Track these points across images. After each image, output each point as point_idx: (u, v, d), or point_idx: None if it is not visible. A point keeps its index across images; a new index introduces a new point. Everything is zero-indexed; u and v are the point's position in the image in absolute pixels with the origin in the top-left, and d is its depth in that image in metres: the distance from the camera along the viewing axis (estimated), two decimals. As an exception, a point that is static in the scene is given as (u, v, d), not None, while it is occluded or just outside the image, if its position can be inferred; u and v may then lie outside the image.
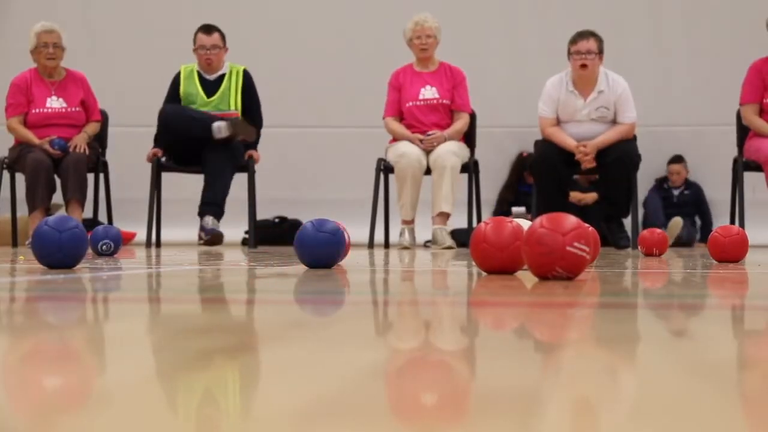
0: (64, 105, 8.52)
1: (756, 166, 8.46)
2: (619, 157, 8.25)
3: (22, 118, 8.48)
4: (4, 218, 9.04)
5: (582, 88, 8.37)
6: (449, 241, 8.11)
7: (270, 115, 8.80)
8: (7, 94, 8.56)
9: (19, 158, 8.37)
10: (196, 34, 8.63)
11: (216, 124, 8.35)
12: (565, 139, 8.31)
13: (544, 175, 8.36)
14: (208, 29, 8.61)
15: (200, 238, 8.33)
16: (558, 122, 8.42)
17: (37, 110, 8.46)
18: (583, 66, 8.27)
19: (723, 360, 1.68)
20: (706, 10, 10.34)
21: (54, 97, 8.52)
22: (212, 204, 8.33)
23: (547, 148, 8.37)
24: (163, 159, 8.50)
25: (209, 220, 8.28)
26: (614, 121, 8.41)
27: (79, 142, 8.39)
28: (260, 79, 9.12)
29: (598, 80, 8.37)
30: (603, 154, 8.29)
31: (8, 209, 8.74)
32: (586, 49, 8.26)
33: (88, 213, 8.78)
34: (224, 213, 8.37)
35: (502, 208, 10.07)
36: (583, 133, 8.33)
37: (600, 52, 8.31)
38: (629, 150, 8.32)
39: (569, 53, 8.32)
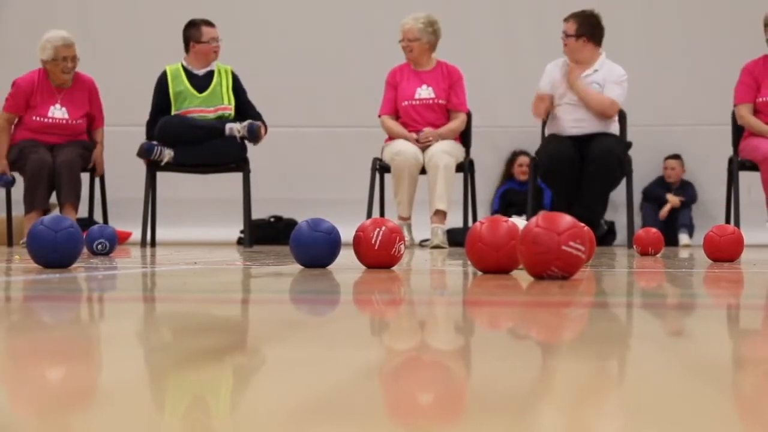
0: (66, 117, 8.44)
1: (751, 166, 8.46)
2: (601, 158, 8.26)
3: (13, 119, 8.44)
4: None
5: (579, 67, 8.48)
6: (437, 240, 8.12)
7: (265, 114, 8.79)
8: (9, 92, 8.51)
9: (19, 158, 8.34)
10: (196, 28, 8.59)
11: (230, 125, 8.40)
12: (540, 99, 8.47)
13: (557, 174, 8.39)
14: (209, 22, 8.64)
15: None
16: (552, 102, 8.51)
17: (38, 118, 8.38)
18: (565, 45, 8.53)
19: (719, 359, 1.68)
20: (702, 9, 10.35)
21: (57, 106, 8.45)
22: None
23: (552, 146, 8.40)
24: (164, 162, 8.47)
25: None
26: None
27: (100, 163, 8.55)
28: (255, 78, 9.12)
29: (596, 62, 8.48)
30: (588, 150, 8.32)
31: (4, 209, 8.73)
32: (564, 31, 8.44)
33: (84, 213, 8.77)
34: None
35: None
36: (579, 115, 8.39)
37: (579, 35, 8.46)
38: (614, 151, 8.34)
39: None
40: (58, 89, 8.45)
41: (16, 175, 8.54)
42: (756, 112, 8.40)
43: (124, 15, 10.76)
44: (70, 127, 8.45)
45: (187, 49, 8.63)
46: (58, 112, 8.43)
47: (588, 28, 8.48)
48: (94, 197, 8.90)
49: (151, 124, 8.59)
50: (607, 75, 8.49)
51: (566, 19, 8.55)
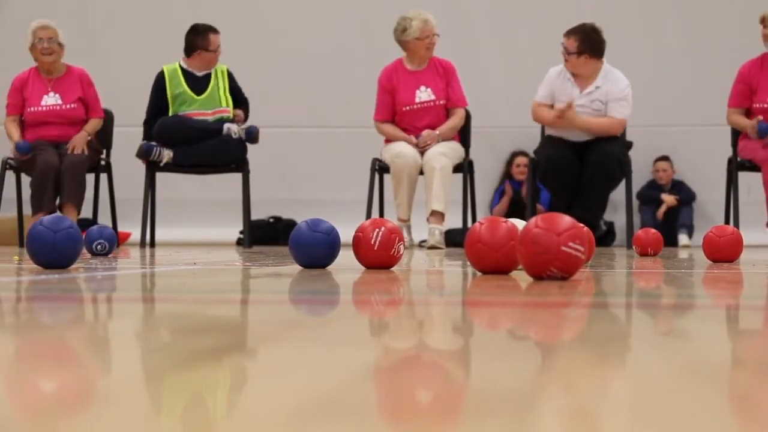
0: (59, 102, 8.49)
1: (750, 166, 8.46)
2: (601, 160, 8.26)
3: (17, 118, 8.48)
4: (5, 218, 9.04)
5: (580, 80, 8.43)
6: (433, 241, 8.12)
7: (264, 115, 8.80)
8: (8, 92, 8.56)
9: (26, 159, 8.36)
10: (204, 36, 8.59)
11: (227, 125, 8.44)
12: (546, 112, 8.39)
13: (556, 177, 8.38)
14: (214, 29, 8.65)
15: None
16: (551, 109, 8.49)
17: (33, 109, 8.45)
18: (565, 60, 8.43)
19: (717, 359, 1.68)
20: (700, 9, 10.35)
21: (51, 93, 8.49)
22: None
23: (551, 149, 8.39)
24: (163, 162, 8.49)
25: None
26: None
27: (78, 143, 8.37)
28: (254, 79, 9.12)
29: (598, 76, 8.42)
30: (588, 151, 8.31)
31: (10, 209, 8.73)
32: (565, 47, 8.36)
33: (88, 213, 8.79)
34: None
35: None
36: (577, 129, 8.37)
37: (580, 52, 8.34)
38: (615, 153, 8.33)
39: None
40: (49, 80, 8.49)
41: (23, 175, 8.56)
42: (751, 115, 8.38)
43: (124, 15, 10.76)
44: (65, 113, 8.46)
45: (189, 53, 8.63)
46: (50, 100, 8.47)
47: (589, 45, 8.35)
48: (99, 198, 8.90)
49: (148, 124, 8.61)
50: (610, 90, 8.40)
51: (567, 35, 8.39)
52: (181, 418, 1.15)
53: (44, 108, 8.45)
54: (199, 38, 8.62)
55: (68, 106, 8.51)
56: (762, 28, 8.31)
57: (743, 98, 8.39)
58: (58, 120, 8.45)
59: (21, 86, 8.49)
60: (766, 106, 8.31)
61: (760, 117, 8.24)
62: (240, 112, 8.61)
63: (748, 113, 8.39)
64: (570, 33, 8.40)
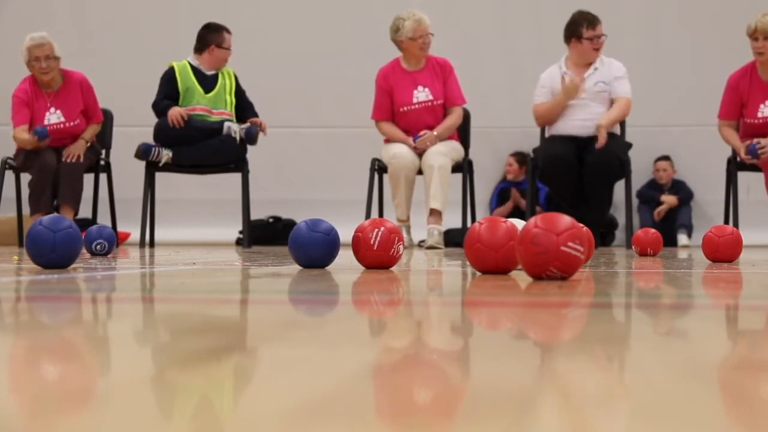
0: (62, 119, 8.41)
1: (750, 166, 8.45)
2: (602, 160, 8.28)
3: (27, 127, 8.40)
4: (5, 218, 9.04)
5: (577, 69, 8.46)
6: (432, 241, 8.12)
7: (263, 115, 8.79)
8: (11, 106, 8.47)
9: (25, 160, 8.34)
10: (219, 33, 8.61)
11: (228, 124, 8.45)
12: (553, 101, 8.43)
13: (555, 176, 8.39)
14: (229, 30, 8.69)
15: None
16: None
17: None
18: (597, 49, 8.49)
19: (717, 360, 1.68)
20: (701, 9, 10.35)
21: (52, 110, 8.42)
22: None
23: (551, 148, 8.39)
24: (162, 162, 8.49)
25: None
26: (611, 101, 8.48)
27: (75, 151, 8.35)
28: (254, 79, 9.11)
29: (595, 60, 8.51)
30: (588, 151, 8.32)
31: (10, 209, 8.72)
32: (596, 35, 8.44)
33: (87, 213, 8.78)
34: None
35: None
36: (586, 116, 8.37)
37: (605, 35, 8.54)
38: (615, 153, 8.34)
39: (581, 37, 8.41)
40: (48, 93, 8.43)
41: (23, 175, 8.54)
42: (745, 128, 8.39)
43: (123, 16, 10.75)
44: (69, 130, 8.42)
45: (202, 50, 8.64)
46: (53, 117, 8.40)
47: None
48: (98, 198, 8.89)
49: (158, 107, 8.58)
50: (609, 71, 8.49)
51: (595, 23, 8.45)
52: (180, 418, 1.15)
53: (48, 127, 8.34)
54: (213, 34, 8.65)
55: (71, 123, 8.44)
56: (751, 41, 8.31)
57: (733, 109, 8.40)
58: (62, 136, 8.41)
59: (27, 99, 8.41)
60: (756, 121, 8.30)
61: (754, 140, 8.23)
62: (258, 121, 8.62)
63: (741, 128, 8.42)
64: (596, 20, 8.47)
